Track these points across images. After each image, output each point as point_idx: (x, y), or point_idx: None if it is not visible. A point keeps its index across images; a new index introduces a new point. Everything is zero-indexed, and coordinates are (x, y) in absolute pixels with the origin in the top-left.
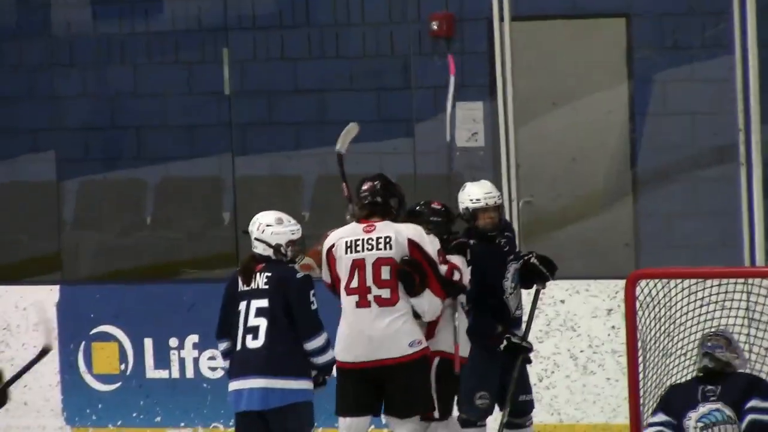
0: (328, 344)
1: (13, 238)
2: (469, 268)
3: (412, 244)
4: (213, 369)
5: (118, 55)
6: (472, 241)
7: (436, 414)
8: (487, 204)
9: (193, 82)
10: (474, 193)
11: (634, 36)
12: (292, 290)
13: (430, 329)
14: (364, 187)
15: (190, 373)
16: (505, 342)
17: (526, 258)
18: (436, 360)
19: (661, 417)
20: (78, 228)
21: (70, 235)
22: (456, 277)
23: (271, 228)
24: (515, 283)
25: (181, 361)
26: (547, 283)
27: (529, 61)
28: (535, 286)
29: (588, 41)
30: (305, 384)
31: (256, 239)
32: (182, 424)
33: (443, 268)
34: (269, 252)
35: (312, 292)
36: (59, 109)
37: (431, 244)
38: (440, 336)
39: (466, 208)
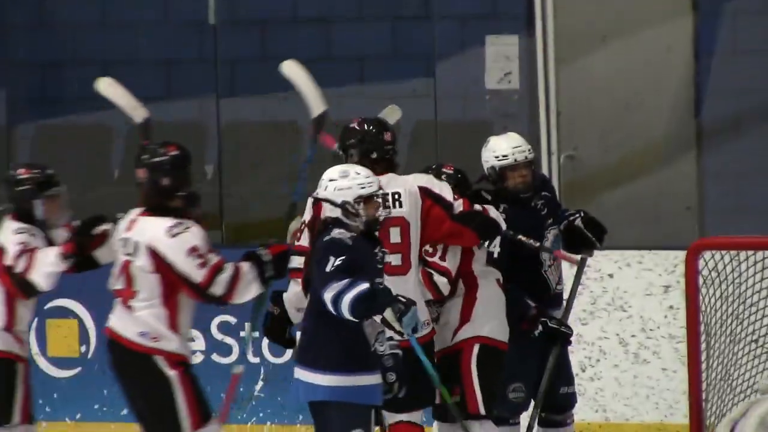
0: None
1: None
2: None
3: (424, 193)
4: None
5: None
6: (502, 206)
7: (481, 409)
8: (516, 160)
9: (170, 9)
10: (500, 148)
11: None
12: None
13: (466, 310)
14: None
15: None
16: (540, 327)
17: (571, 219)
18: (476, 347)
19: None
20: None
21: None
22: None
23: (334, 183)
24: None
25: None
26: (595, 252)
27: None
28: (579, 255)
29: None
30: None
31: (322, 200)
32: None
33: (459, 205)
34: (337, 213)
35: None
36: (10, 40)
37: (445, 188)
38: (479, 319)
39: (492, 167)
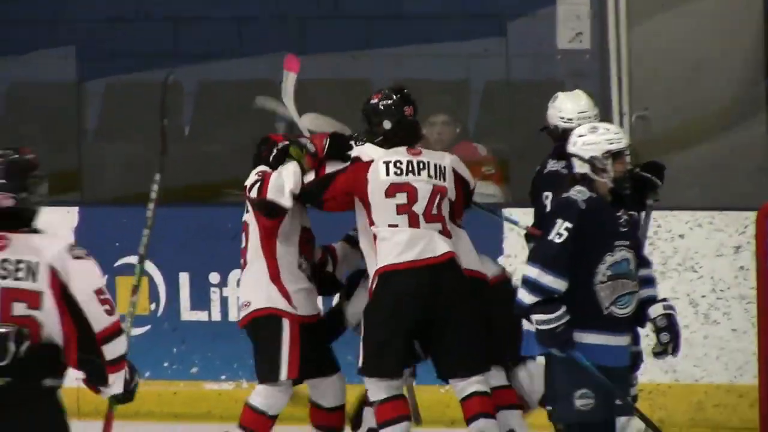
0: None
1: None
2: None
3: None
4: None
5: None
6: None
7: None
8: (580, 125)
9: None
10: (566, 110)
11: None
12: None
13: None
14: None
15: (233, 315)
16: None
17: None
18: None
19: None
20: (102, 139)
21: (92, 147)
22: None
23: (583, 138)
24: None
25: (224, 301)
26: (667, 215)
27: None
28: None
29: None
30: None
31: (571, 155)
32: (223, 377)
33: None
34: (585, 169)
35: None
36: None
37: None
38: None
39: (556, 126)
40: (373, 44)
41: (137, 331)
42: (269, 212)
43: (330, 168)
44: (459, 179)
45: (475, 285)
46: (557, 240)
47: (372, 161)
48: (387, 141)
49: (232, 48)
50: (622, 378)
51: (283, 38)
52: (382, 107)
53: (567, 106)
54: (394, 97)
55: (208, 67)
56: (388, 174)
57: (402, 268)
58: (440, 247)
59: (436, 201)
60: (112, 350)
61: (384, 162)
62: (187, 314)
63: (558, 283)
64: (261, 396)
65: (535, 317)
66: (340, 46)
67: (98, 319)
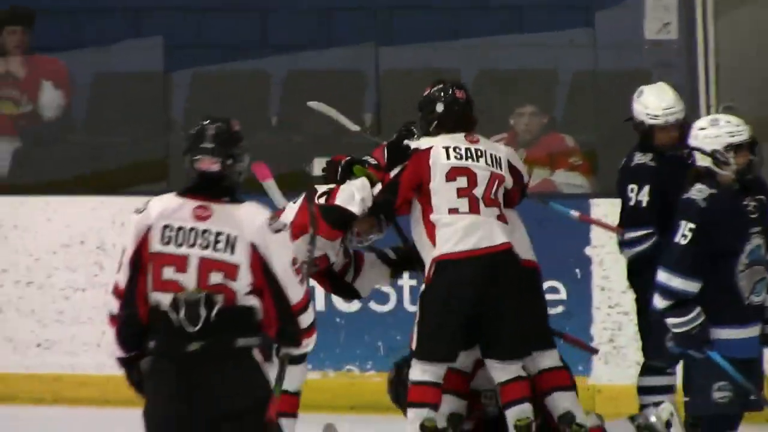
0: None
1: (111, 140)
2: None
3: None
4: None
5: None
6: (650, 155)
7: None
8: (667, 122)
9: None
10: (652, 107)
11: None
12: None
13: None
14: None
15: (320, 304)
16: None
17: None
18: None
19: None
20: (189, 128)
21: (179, 136)
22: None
23: (704, 131)
24: None
25: (310, 290)
26: None
27: None
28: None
29: None
30: None
31: (693, 149)
32: (309, 366)
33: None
34: (707, 162)
35: None
36: None
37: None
38: None
39: (642, 122)
40: (459, 35)
41: None
42: (336, 220)
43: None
44: (514, 171)
45: (528, 274)
46: (682, 242)
47: (432, 147)
48: (441, 126)
49: (320, 38)
50: (755, 369)
51: (370, 29)
52: (433, 93)
53: (653, 102)
54: (445, 84)
55: (296, 57)
56: (448, 158)
57: (460, 258)
58: (498, 236)
59: (494, 187)
60: (306, 319)
61: (443, 147)
62: None
63: (688, 285)
64: None
65: (669, 321)
66: (427, 37)
67: (294, 291)
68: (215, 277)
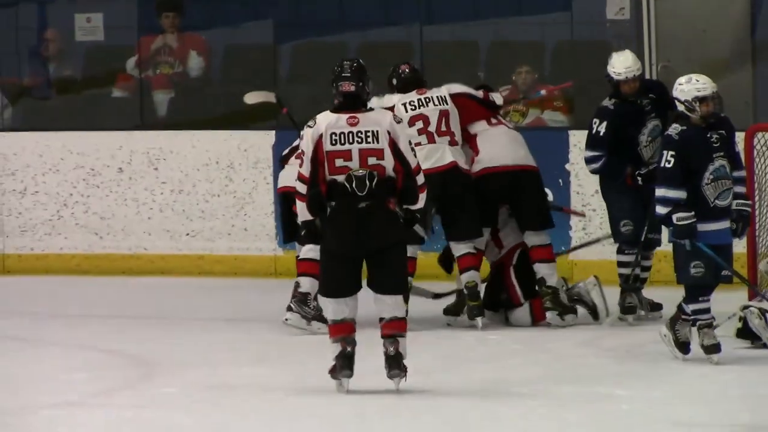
0: None
1: (236, 90)
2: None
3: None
4: None
5: None
6: (613, 100)
7: None
8: (626, 78)
9: None
10: (617, 67)
11: None
12: None
13: None
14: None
15: None
16: (639, 179)
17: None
18: None
19: None
20: (291, 83)
21: (285, 88)
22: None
23: (681, 86)
24: (651, 137)
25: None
26: None
27: None
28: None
29: None
30: None
31: (673, 98)
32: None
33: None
34: (682, 107)
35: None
36: None
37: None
38: None
39: (610, 78)
40: (479, 16)
41: None
42: None
43: None
44: (462, 97)
45: (523, 174)
46: (667, 165)
47: (393, 105)
48: (399, 89)
49: (379, 19)
50: (727, 252)
51: (417, 12)
52: (391, 72)
53: (617, 64)
54: (396, 65)
55: (365, 33)
56: (406, 111)
57: (427, 173)
58: (447, 157)
59: (443, 121)
60: (420, 179)
61: (402, 103)
62: None
63: (678, 193)
64: None
65: (675, 217)
66: (456, 18)
67: (412, 160)
68: (371, 160)
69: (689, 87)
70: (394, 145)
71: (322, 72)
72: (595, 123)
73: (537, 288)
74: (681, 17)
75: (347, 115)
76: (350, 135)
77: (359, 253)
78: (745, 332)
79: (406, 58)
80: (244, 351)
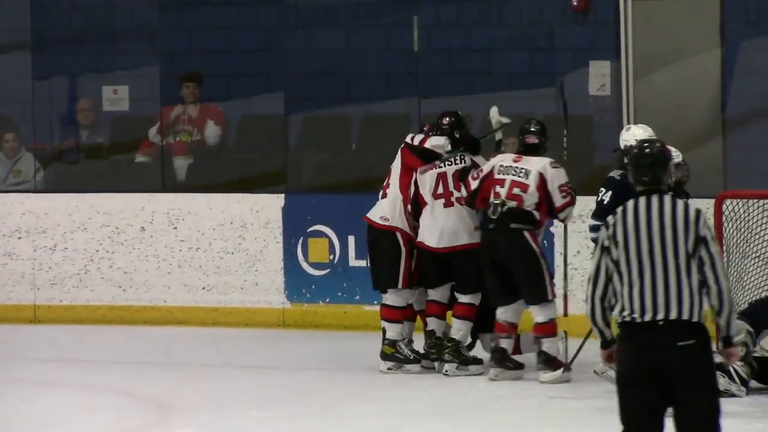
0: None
1: (248, 158)
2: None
3: None
4: None
5: (333, 19)
6: (619, 172)
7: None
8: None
9: (389, 41)
10: (640, 136)
11: (727, 11)
12: None
13: None
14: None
15: None
16: None
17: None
18: None
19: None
20: (300, 151)
21: (293, 156)
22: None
23: (622, 134)
24: None
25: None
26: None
27: (646, 30)
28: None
29: (690, 16)
30: None
31: (620, 149)
32: (375, 302)
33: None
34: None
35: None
36: (288, 60)
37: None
38: None
39: (631, 146)
40: (472, 91)
41: (319, 273)
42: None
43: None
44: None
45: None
46: (604, 200)
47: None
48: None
49: (384, 94)
50: None
51: (416, 87)
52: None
53: (638, 133)
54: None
55: (368, 106)
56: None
57: None
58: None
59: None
60: (561, 215)
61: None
62: (353, 262)
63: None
64: None
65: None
66: (452, 92)
67: (558, 200)
68: (515, 190)
69: (626, 135)
70: (542, 183)
71: (329, 141)
72: (601, 192)
73: (430, 340)
74: (658, 94)
75: (515, 156)
76: (510, 168)
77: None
78: None
79: (406, 129)
80: (254, 395)
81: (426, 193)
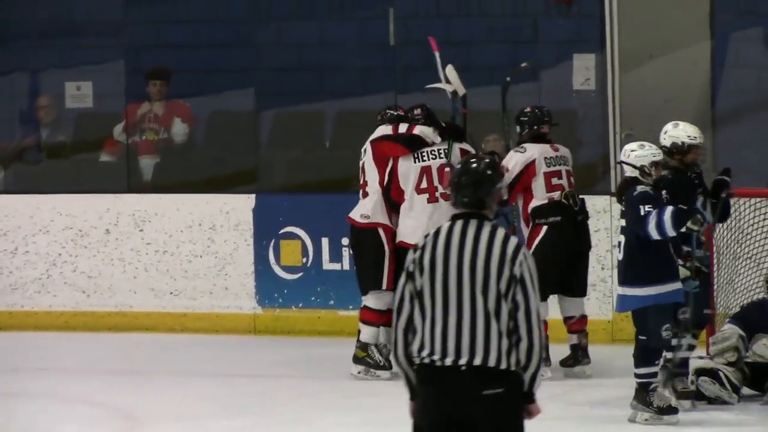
0: None
1: (218, 156)
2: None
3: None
4: None
5: (306, 11)
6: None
7: None
8: (700, 143)
9: (364, 34)
10: (690, 132)
11: (716, 2)
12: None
13: None
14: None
15: (346, 266)
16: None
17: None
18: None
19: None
20: (271, 149)
21: (265, 154)
22: None
23: (634, 152)
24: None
25: (351, 256)
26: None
27: (632, 22)
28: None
29: (678, 7)
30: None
31: (624, 163)
32: (350, 307)
33: None
34: (636, 173)
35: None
36: (258, 54)
37: None
38: None
39: (683, 143)
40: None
41: (292, 276)
42: None
43: None
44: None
45: None
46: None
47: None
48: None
49: (359, 89)
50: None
51: (392, 82)
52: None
53: (689, 129)
54: None
55: (342, 102)
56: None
57: None
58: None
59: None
60: None
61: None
62: (327, 265)
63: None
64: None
65: (666, 216)
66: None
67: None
68: (554, 180)
69: (644, 152)
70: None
71: (302, 138)
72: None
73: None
74: (644, 88)
75: (549, 145)
76: (558, 158)
77: None
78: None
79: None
80: (224, 405)
81: (408, 187)
